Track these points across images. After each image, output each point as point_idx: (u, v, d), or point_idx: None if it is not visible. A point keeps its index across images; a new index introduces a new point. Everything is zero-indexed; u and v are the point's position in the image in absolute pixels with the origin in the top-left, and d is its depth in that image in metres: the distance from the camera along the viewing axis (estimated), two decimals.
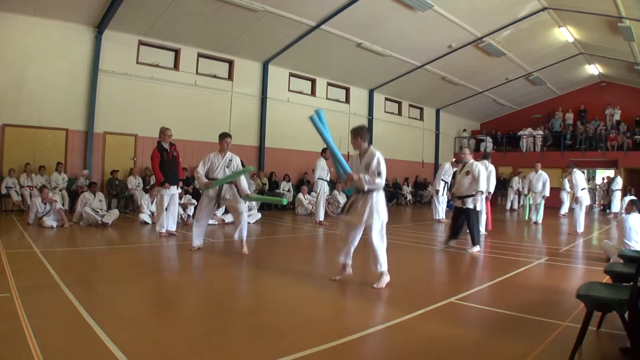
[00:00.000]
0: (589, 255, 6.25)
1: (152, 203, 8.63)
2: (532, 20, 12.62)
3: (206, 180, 5.39)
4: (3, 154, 9.85)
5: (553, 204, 12.81)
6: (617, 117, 18.63)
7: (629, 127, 17.76)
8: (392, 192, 16.52)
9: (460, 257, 5.86)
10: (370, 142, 4.16)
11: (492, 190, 8.33)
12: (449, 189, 9.38)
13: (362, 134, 4.08)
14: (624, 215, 5.58)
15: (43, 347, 2.35)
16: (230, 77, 13.40)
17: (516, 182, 16.05)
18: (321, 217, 9.34)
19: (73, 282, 3.77)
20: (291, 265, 5.08)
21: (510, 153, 19.97)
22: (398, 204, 16.77)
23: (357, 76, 16.03)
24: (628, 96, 18.37)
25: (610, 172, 17.03)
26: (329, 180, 9.67)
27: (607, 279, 3.40)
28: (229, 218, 8.54)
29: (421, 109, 20.07)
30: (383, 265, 3.97)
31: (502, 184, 16.35)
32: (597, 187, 16.95)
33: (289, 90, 14.86)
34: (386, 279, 3.98)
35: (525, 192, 11.55)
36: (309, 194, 11.89)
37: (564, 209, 12.47)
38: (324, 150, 9.43)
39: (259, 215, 9.64)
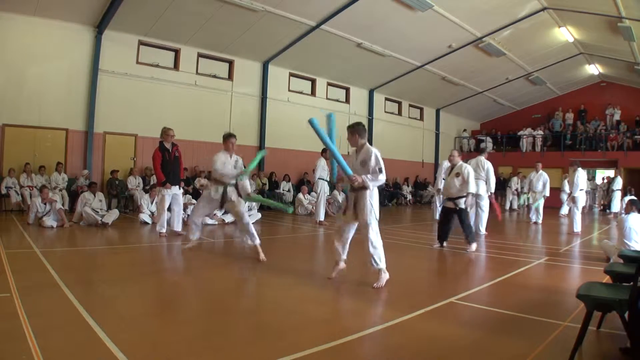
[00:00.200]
0: (589, 255, 6.25)
1: (152, 203, 8.64)
2: (532, 20, 12.62)
3: (234, 172, 5.17)
4: (3, 154, 9.84)
5: (553, 204, 12.82)
6: (617, 117, 18.62)
7: (629, 127, 17.75)
8: (392, 192, 16.52)
9: (460, 257, 5.86)
10: (370, 143, 4.17)
11: (493, 189, 8.33)
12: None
13: (359, 131, 4.11)
14: (623, 215, 5.58)
15: (43, 347, 2.35)
16: (230, 77, 13.40)
17: (515, 182, 16.05)
18: (321, 217, 9.35)
19: (73, 282, 3.77)
20: (291, 265, 5.08)
21: (510, 153, 19.97)
22: (398, 204, 16.77)
23: (357, 76, 16.03)
24: (628, 96, 18.37)
25: (610, 172, 17.03)
26: (329, 180, 9.67)
27: (607, 279, 3.40)
28: (229, 218, 8.54)
29: (421, 109, 20.07)
30: (381, 261, 3.97)
31: (502, 184, 16.35)
32: (597, 187, 16.93)
33: (289, 90, 14.86)
34: (385, 276, 3.97)
35: (525, 191, 11.54)
36: (309, 194, 11.89)
37: (564, 209, 12.47)
38: (324, 151, 9.43)
39: (259, 215, 9.64)
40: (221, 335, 2.77)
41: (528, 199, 11.05)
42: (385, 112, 18.23)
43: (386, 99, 18.25)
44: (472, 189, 6.22)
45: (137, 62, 11.54)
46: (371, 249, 3.94)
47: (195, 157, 11.93)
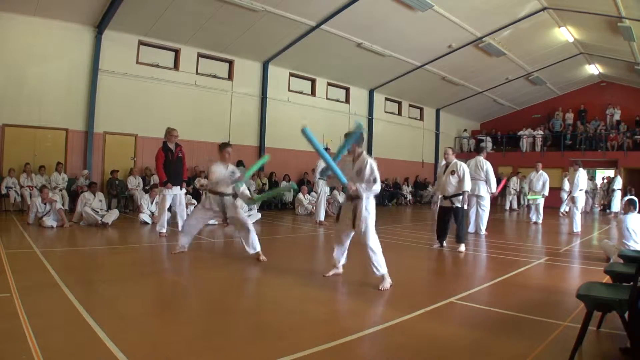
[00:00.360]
0: (589, 255, 6.25)
1: (152, 203, 8.64)
2: (532, 20, 12.62)
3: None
4: (3, 154, 9.84)
5: (553, 204, 12.82)
6: (617, 117, 18.63)
7: (629, 127, 17.75)
8: (392, 192, 16.52)
9: (459, 257, 5.86)
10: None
11: (494, 189, 8.32)
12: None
13: (357, 139, 4.08)
14: (621, 215, 5.58)
15: (43, 347, 2.35)
16: (230, 77, 13.40)
17: (514, 182, 16.05)
18: (321, 217, 9.35)
19: (73, 282, 3.77)
20: (291, 265, 5.08)
21: (510, 153, 19.96)
22: (398, 204, 16.76)
23: (357, 76, 16.03)
24: (628, 96, 18.38)
25: (610, 172, 17.04)
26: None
27: (607, 279, 3.40)
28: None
29: (421, 109, 20.07)
30: (382, 268, 3.98)
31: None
32: (597, 187, 16.92)
33: (289, 90, 14.86)
34: (388, 280, 3.98)
35: (526, 191, 11.54)
36: (309, 193, 11.89)
37: (564, 207, 12.48)
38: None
39: (259, 215, 9.63)
40: (221, 335, 2.77)
41: (528, 199, 11.04)
42: (385, 112, 18.22)
43: (386, 99, 18.24)
44: (467, 186, 6.22)
45: (137, 62, 11.54)
46: (371, 255, 3.96)
47: (195, 157, 11.92)
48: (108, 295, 3.57)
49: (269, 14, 10.93)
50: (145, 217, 8.43)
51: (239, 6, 10.39)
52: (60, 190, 9.85)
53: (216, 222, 8.58)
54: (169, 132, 6.84)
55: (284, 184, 13.56)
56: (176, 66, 12.30)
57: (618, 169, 16.12)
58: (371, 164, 3.95)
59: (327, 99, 15.94)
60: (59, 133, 10.54)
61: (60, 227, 7.40)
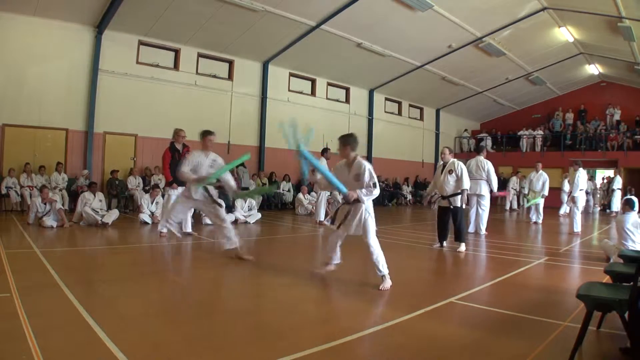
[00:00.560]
0: (589, 255, 6.25)
1: (152, 203, 8.64)
2: (532, 20, 12.62)
3: (195, 176, 4.92)
4: (3, 154, 9.85)
5: (553, 204, 12.82)
6: (617, 117, 18.63)
7: (629, 127, 17.76)
8: (392, 192, 16.52)
9: (459, 257, 5.86)
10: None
11: (495, 188, 8.33)
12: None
13: (351, 143, 4.07)
14: (620, 215, 5.59)
15: (43, 347, 2.35)
16: (230, 77, 13.41)
17: (514, 182, 16.04)
18: (321, 217, 9.35)
19: (73, 282, 3.77)
20: (291, 265, 5.07)
21: (510, 153, 19.97)
22: (398, 204, 16.76)
23: (357, 76, 16.03)
24: (628, 96, 18.38)
25: (610, 172, 17.05)
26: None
27: (607, 279, 3.40)
28: (232, 218, 8.52)
29: (421, 109, 20.07)
30: (383, 268, 3.98)
31: (503, 184, 16.34)
32: (597, 188, 16.93)
33: (289, 90, 14.86)
34: (389, 281, 3.98)
35: (526, 191, 11.53)
36: (309, 193, 11.89)
37: (564, 209, 12.48)
38: (324, 151, 9.45)
39: (259, 215, 9.63)
40: (221, 335, 2.77)
41: (529, 200, 11.03)
42: (385, 112, 18.22)
43: (386, 99, 18.24)
44: (466, 185, 6.20)
45: (137, 62, 11.54)
46: (374, 257, 3.96)
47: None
48: (108, 295, 3.57)
49: (269, 14, 10.93)
50: (145, 217, 8.42)
51: (239, 6, 10.39)
52: (60, 190, 9.85)
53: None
54: (177, 133, 6.90)
55: (284, 184, 13.58)
56: (176, 66, 12.30)
57: (618, 169, 16.12)
58: (369, 169, 3.95)
59: (327, 99, 15.94)
60: (59, 133, 10.54)
61: (60, 227, 7.40)
